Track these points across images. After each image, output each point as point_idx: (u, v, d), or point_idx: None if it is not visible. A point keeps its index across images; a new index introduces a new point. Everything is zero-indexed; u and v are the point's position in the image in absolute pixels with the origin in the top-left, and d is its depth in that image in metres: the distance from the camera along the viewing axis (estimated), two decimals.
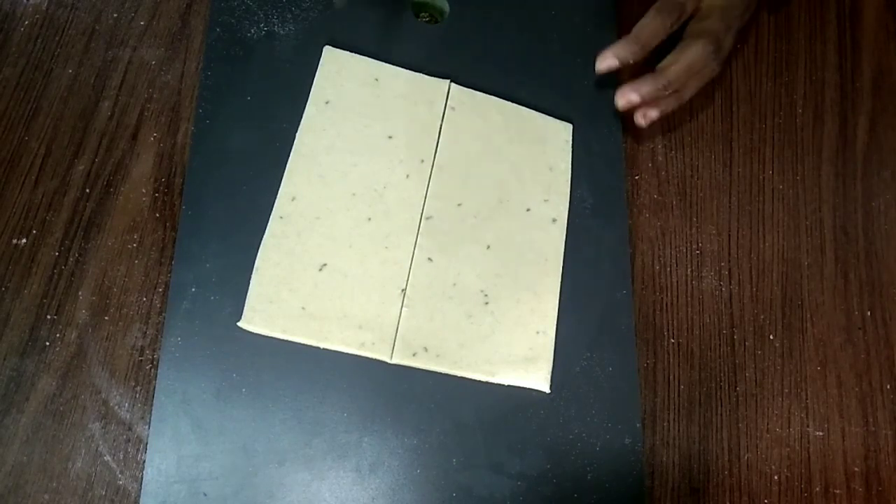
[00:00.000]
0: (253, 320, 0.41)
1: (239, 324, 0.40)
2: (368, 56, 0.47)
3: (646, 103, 0.48)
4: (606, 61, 0.47)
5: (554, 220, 0.47)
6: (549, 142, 0.49)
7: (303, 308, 0.41)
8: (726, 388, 0.46)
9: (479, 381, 0.42)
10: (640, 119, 0.49)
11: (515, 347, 0.43)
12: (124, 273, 0.42)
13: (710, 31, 0.48)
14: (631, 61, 0.47)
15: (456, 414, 0.42)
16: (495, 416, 0.42)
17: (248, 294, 0.41)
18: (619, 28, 0.52)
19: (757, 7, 0.53)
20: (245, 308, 0.41)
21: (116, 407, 0.40)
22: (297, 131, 0.45)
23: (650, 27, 0.47)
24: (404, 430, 0.41)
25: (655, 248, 0.49)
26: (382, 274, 0.43)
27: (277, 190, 0.44)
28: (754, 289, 0.49)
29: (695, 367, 0.46)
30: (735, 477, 0.45)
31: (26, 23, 0.47)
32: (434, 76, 0.48)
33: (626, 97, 0.47)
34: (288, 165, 0.44)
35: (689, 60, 0.47)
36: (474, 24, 0.51)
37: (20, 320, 0.41)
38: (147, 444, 0.39)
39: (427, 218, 0.45)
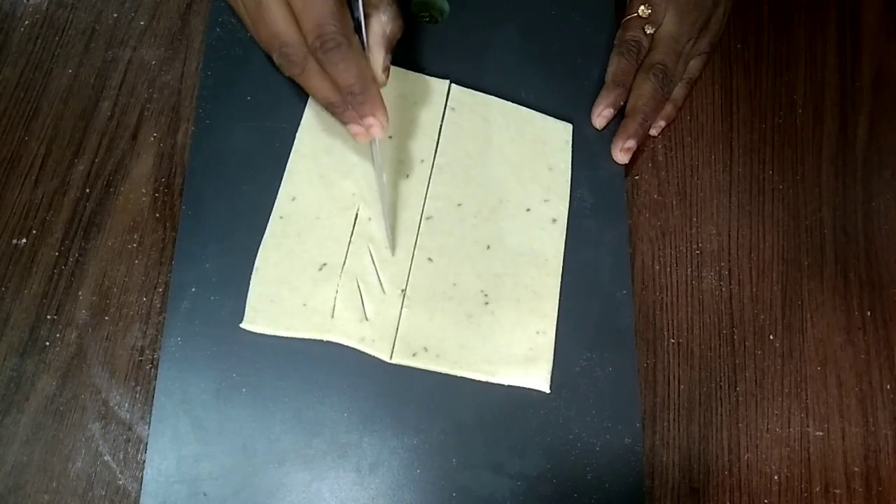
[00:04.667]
0: (255, 320, 0.41)
1: (242, 325, 0.40)
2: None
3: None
4: (603, 113, 0.50)
5: (554, 220, 0.47)
6: (549, 142, 0.49)
7: (304, 304, 0.41)
8: (726, 388, 0.46)
9: (479, 381, 0.42)
10: (621, 155, 0.49)
11: (515, 347, 0.43)
12: (124, 273, 0.42)
13: (655, 63, 0.50)
14: (622, 103, 0.50)
15: (456, 414, 0.42)
16: (495, 416, 0.42)
17: (249, 295, 0.41)
18: (618, 28, 0.52)
19: (721, 24, 0.53)
20: (246, 309, 0.41)
21: (116, 407, 0.40)
22: (297, 131, 0.45)
23: (621, 69, 0.50)
24: (404, 430, 0.41)
25: (655, 247, 0.49)
26: (383, 274, 0.43)
27: (277, 190, 0.44)
28: (754, 289, 0.49)
29: (695, 367, 0.46)
30: (735, 477, 0.45)
31: (26, 23, 0.47)
32: (434, 76, 0.48)
33: (624, 150, 0.49)
34: (288, 165, 0.44)
35: (644, 97, 0.49)
36: (474, 24, 0.51)
37: (20, 320, 0.41)
38: (147, 444, 0.39)
39: (427, 218, 0.45)
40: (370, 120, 0.38)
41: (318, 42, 0.35)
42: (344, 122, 0.39)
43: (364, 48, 0.39)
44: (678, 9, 0.50)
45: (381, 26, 0.39)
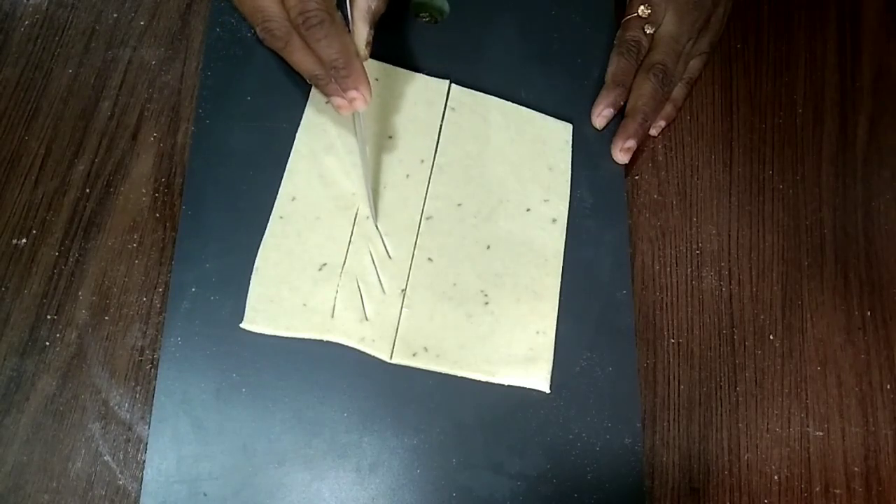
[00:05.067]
0: (255, 320, 0.41)
1: (242, 325, 0.40)
2: None
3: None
4: (603, 113, 0.49)
5: (554, 220, 0.47)
6: (549, 142, 0.49)
7: (304, 304, 0.41)
8: (726, 388, 0.46)
9: (479, 381, 0.42)
10: (621, 155, 0.49)
11: (515, 347, 0.43)
12: (124, 273, 0.42)
13: (655, 63, 0.50)
14: (622, 103, 0.50)
15: (456, 414, 0.42)
16: (495, 416, 0.42)
17: (249, 295, 0.41)
18: (618, 28, 0.52)
19: (721, 24, 0.53)
20: (246, 309, 0.41)
21: (116, 407, 0.40)
22: (297, 131, 0.45)
23: (621, 69, 0.50)
24: (404, 430, 0.41)
25: (655, 247, 0.49)
26: (382, 274, 0.43)
27: (277, 190, 0.44)
28: (754, 289, 0.49)
29: (695, 367, 0.46)
30: (735, 477, 0.45)
31: (26, 23, 0.47)
32: (434, 76, 0.48)
33: (624, 150, 0.49)
34: (288, 165, 0.44)
35: (644, 97, 0.49)
36: (474, 24, 0.51)
37: (20, 320, 0.41)
38: (147, 444, 0.39)
39: (427, 218, 0.45)
40: (353, 93, 0.39)
41: (300, 18, 0.36)
42: (327, 95, 0.40)
43: (348, 22, 0.39)
44: (678, 9, 0.50)
45: (365, 2, 0.40)
